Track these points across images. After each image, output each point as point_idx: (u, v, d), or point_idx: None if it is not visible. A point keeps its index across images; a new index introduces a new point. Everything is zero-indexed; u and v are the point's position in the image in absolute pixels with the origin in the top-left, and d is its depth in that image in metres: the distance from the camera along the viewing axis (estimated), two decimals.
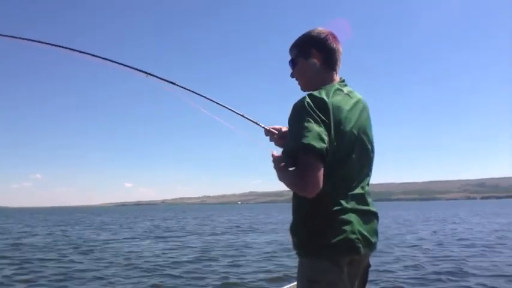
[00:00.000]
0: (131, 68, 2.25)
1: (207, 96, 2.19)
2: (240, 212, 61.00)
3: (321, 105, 1.66)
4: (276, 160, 1.80)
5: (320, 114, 1.64)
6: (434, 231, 17.16)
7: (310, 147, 1.57)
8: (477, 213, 37.03)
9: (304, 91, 1.87)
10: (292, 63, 1.90)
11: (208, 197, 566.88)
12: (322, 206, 1.66)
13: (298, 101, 1.70)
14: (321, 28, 1.87)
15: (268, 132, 2.10)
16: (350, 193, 1.70)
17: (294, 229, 1.74)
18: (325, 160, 1.62)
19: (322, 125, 1.63)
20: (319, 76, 1.82)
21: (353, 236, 1.66)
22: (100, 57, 2.26)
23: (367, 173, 1.80)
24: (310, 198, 1.62)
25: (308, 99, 1.67)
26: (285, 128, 2.04)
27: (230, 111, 2.19)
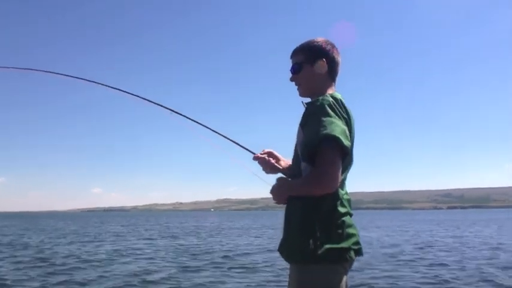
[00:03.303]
0: (157, 104, 2.26)
1: (208, 126, 2.20)
2: (205, 219, 60.80)
3: (342, 105, 1.67)
4: (281, 178, 1.80)
5: (343, 113, 1.64)
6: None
7: (338, 140, 1.54)
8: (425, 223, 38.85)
9: (303, 97, 1.87)
10: (296, 68, 1.85)
11: (181, 203, 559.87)
12: (336, 208, 1.64)
13: (317, 100, 1.67)
14: (324, 38, 1.86)
15: (257, 158, 1.99)
16: (346, 197, 1.72)
17: (307, 232, 1.62)
18: (344, 160, 1.60)
19: (345, 123, 1.63)
20: (322, 84, 1.81)
21: (359, 239, 1.69)
22: (127, 92, 2.33)
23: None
24: (325, 200, 1.61)
25: (331, 98, 1.65)
26: (276, 153, 1.99)
27: (224, 137, 2.16)
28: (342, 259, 1.62)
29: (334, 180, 1.54)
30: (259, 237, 20.37)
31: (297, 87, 1.88)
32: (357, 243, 1.68)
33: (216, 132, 2.16)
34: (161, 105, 2.27)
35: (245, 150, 2.06)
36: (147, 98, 2.31)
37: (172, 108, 2.24)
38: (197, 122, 2.20)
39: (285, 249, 1.73)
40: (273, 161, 1.93)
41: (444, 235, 20.36)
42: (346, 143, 1.57)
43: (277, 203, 1.77)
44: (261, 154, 1.97)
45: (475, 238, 17.95)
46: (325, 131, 1.54)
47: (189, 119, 2.21)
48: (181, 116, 2.22)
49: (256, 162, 1.98)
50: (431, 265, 9.53)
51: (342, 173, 1.64)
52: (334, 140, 1.54)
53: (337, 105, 1.64)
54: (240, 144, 2.10)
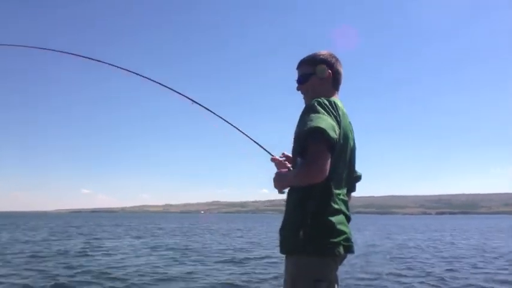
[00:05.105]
0: (178, 93, 2.37)
1: (228, 121, 2.33)
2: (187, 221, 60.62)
3: (334, 106, 1.76)
4: (279, 161, 2.04)
5: (333, 111, 1.73)
6: None
7: (324, 132, 1.59)
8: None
9: None
10: (303, 78, 1.95)
11: (171, 205, 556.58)
12: (328, 203, 1.69)
13: (311, 101, 1.77)
14: (328, 51, 1.98)
15: (274, 159, 2.13)
16: (341, 197, 1.77)
17: (299, 223, 1.69)
18: (333, 152, 1.65)
19: (335, 120, 1.71)
20: (327, 93, 1.90)
21: (350, 236, 1.75)
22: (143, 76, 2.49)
23: (347, 188, 1.89)
24: (318, 195, 1.68)
25: (323, 99, 1.76)
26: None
27: (243, 134, 2.31)
28: (332, 253, 1.66)
29: (321, 171, 1.58)
30: (250, 236, 20.61)
31: (303, 96, 1.98)
32: (347, 240, 1.73)
33: (238, 129, 2.30)
34: (183, 95, 2.39)
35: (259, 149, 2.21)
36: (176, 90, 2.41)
37: (193, 99, 2.37)
38: (221, 117, 2.34)
39: (280, 240, 1.79)
40: (289, 165, 2.01)
41: (403, 238, 20.87)
42: (332, 134, 1.61)
43: (278, 192, 1.86)
44: (279, 157, 2.12)
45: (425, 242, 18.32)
46: (311, 124, 1.61)
47: (215, 114, 2.35)
48: (203, 109, 2.35)
49: (271, 163, 2.15)
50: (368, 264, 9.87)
51: (336, 170, 1.72)
52: (320, 133, 1.59)
53: (328, 105, 1.72)
54: (259, 143, 2.24)
